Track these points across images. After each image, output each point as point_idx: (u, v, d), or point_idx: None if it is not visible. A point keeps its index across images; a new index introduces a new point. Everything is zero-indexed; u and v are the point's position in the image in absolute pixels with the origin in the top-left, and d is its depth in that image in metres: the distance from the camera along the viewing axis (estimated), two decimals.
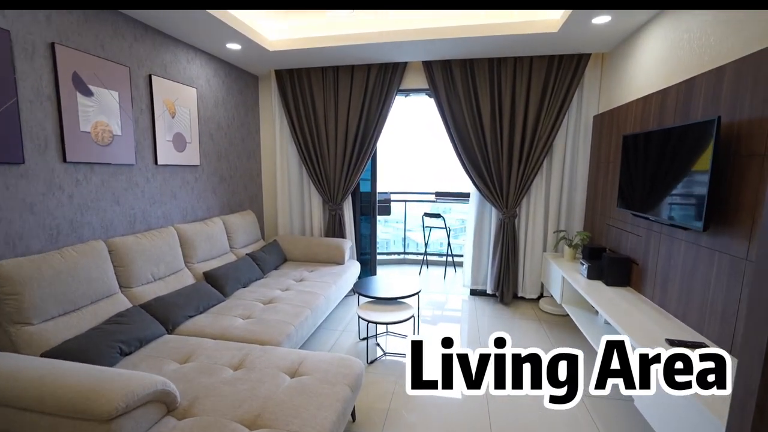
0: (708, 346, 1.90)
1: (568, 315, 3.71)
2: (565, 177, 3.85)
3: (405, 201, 6.14)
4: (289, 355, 2.11)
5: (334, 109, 4.13)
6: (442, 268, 5.64)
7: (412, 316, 2.93)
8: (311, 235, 4.46)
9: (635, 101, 2.85)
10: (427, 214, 5.32)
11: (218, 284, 3.05)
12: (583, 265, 3.07)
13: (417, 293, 3.15)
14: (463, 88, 3.81)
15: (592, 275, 2.98)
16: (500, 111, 3.79)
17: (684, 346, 1.88)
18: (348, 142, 4.12)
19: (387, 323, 2.81)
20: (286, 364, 2.03)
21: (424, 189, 6.11)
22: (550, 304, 3.85)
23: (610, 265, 2.82)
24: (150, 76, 2.94)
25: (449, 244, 5.42)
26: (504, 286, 4.00)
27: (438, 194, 5.85)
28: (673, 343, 1.93)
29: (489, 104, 3.78)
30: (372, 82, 4.01)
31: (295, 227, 4.50)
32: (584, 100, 3.72)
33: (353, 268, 4.04)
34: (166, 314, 2.47)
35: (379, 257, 5.92)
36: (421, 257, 5.86)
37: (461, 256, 5.92)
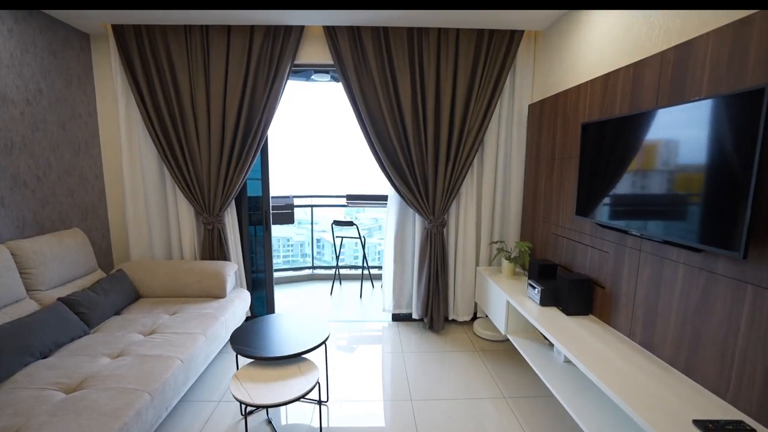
0: None
1: (507, 340, 3.06)
2: (499, 176, 3.21)
3: (311, 206, 5.12)
4: None
5: (204, 84, 2.95)
6: (358, 283, 4.75)
7: (317, 383, 1.96)
8: (181, 257, 3.22)
9: (589, 83, 2.24)
10: (337, 223, 4.37)
11: None
12: (534, 288, 2.40)
13: (324, 342, 2.18)
14: (377, 65, 2.94)
15: (546, 301, 2.32)
16: (423, 96, 3.00)
17: None
18: (227, 132, 2.98)
19: (276, 405, 1.81)
20: None
21: (334, 192, 5.14)
22: (486, 328, 3.18)
23: (570, 288, 2.18)
24: None
25: (365, 256, 4.54)
26: (433, 310, 3.23)
27: (350, 198, 4.94)
28: (707, 428, 1.26)
29: (410, 87, 2.96)
30: (257, 51, 2.93)
31: (158, 249, 3.21)
32: (517, 87, 3.10)
33: (238, 302, 2.92)
34: None
35: (281, 275, 4.82)
36: (332, 271, 4.90)
37: (379, 268, 5.11)
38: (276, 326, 2.38)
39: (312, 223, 5.13)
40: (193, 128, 2.99)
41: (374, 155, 3.09)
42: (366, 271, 4.64)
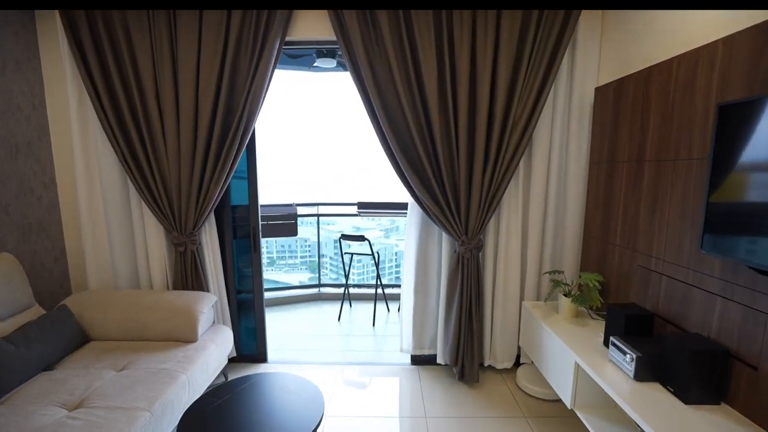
0: None
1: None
2: (552, 185, 2.42)
3: (317, 215, 4.41)
4: None
5: (170, 67, 2.27)
6: (370, 306, 4.02)
7: None
8: (150, 286, 2.55)
9: (719, 43, 1.44)
10: (345, 237, 3.65)
11: None
12: (622, 352, 1.61)
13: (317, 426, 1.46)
14: (393, 43, 2.20)
15: (644, 374, 1.54)
16: (453, 81, 2.25)
17: None
18: (200, 128, 2.29)
19: None
20: None
21: (342, 199, 4.43)
22: (534, 381, 2.40)
23: (693, 362, 1.39)
24: None
25: (378, 276, 3.81)
26: (465, 356, 2.47)
27: (362, 206, 4.22)
28: None
29: (435, 70, 2.21)
30: (236, 26, 2.22)
31: (122, 276, 2.55)
32: (577, 66, 2.31)
33: (213, 348, 2.23)
34: None
35: (282, 294, 4.13)
36: (341, 290, 4.18)
37: (395, 286, 4.36)
38: (247, 404, 1.66)
39: (318, 235, 4.43)
40: (158, 123, 2.31)
41: (389, 157, 2.35)
42: (380, 291, 3.90)
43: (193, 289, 2.47)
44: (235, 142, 2.29)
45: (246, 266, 2.77)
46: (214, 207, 2.42)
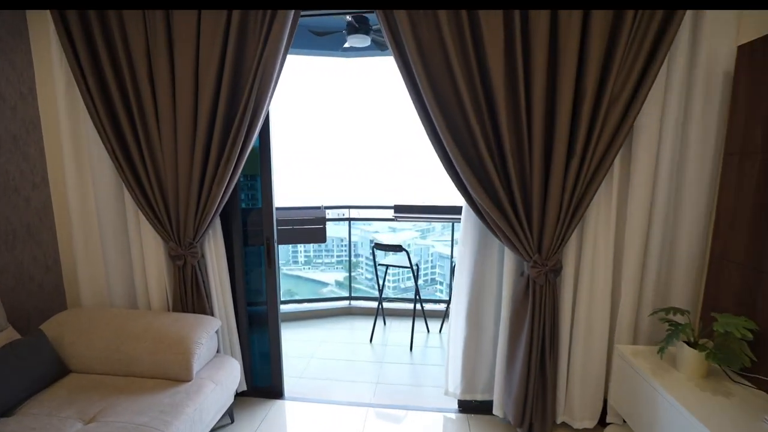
0: None
1: None
2: (660, 188, 1.74)
3: (348, 219, 3.90)
4: None
5: (165, 45, 1.82)
6: (407, 324, 3.46)
7: None
8: (148, 306, 2.14)
9: None
10: (379, 246, 3.10)
11: None
12: None
13: None
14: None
15: None
16: (526, 47, 1.63)
17: None
18: (201, 112, 1.83)
19: None
20: None
21: (374, 200, 3.90)
22: None
23: None
24: None
25: (417, 291, 3.24)
26: (534, 411, 1.85)
27: (399, 209, 3.66)
28: None
29: (502, 33, 1.61)
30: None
31: (117, 293, 2.15)
32: (706, 21, 1.62)
33: (210, 390, 1.75)
34: None
35: (308, 307, 3.67)
36: (374, 303, 3.65)
37: (436, 302, 3.78)
38: None
39: (350, 243, 3.92)
40: (151, 107, 1.87)
41: (437, 149, 1.77)
42: (419, 306, 3.33)
43: (194, 311, 2.03)
44: (241, 130, 1.81)
45: (259, 279, 2.30)
46: (218, 212, 1.95)
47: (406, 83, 1.72)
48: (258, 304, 2.33)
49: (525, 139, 1.67)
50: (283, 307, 3.73)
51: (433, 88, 1.67)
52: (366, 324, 3.53)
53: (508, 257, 1.87)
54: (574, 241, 1.81)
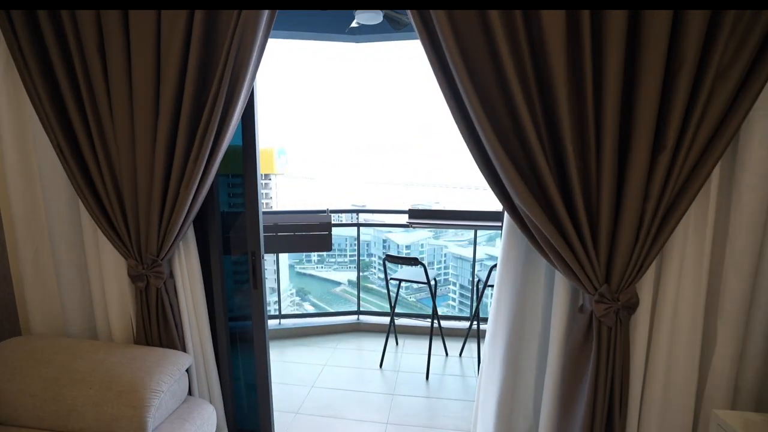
0: None
1: None
2: None
3: (358, 225, 3.46)
4: None
5: (121, 35, 1.41)
6: (422, 343, 3.02)
7: None
8: (109, 336, 1.74)
9: None
10: (391, 258, 2.66)
11: None
12: None
13: None
14: None
15: None
16: (596, 23, 1.16)
17: None
18: (163, 95, 1.41)
19: None
20: None
21: (386, 203, 3.46)
22: None
23: None
24: None
25: (435, 309, 2.79)
26: None
27: (414, 214, 3.21)
28: None
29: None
30: None
31: (72, 320, 1.75)
32: None
33: None
34: None
35: (311, 322, 3.26)
36: (386, 319, 3.22)
37: (455, 319, 3.34)
38: None
39: (359, 253, 3.49)
40: (103, 88, 1.46)
41: (468, 139, 1.31)
42: (436, 324, 2.87)
43: (161, 343, 1.63)
44: (213, 118, 1.39)
45: (245, 296, 1.89)
46: (188, 222, 1.54)
47: (428, 52, 1.27)
48: (246, 318, 1.92)
49: (590, 123, 1.20)
50: (285, 322, 3.33)
51: (468, 64, 1.22)
52: (375, 343, 3.10)
53: (560, 284, 1.40)
54: (650, 272, 1.33)
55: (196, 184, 1.46)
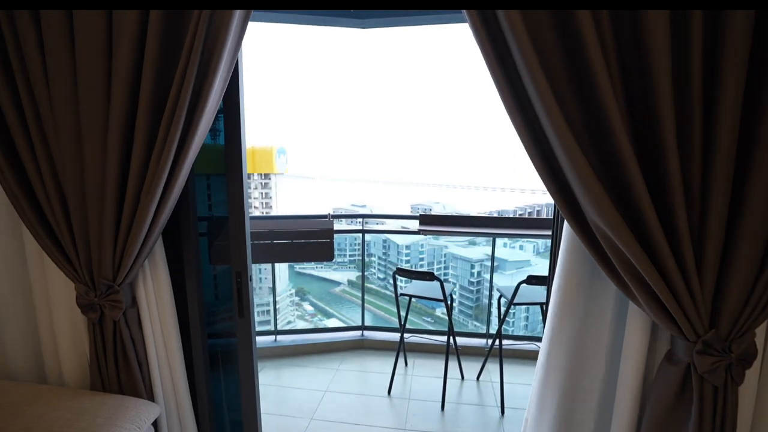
0: None
1: None
2: None
3: (362, 231, 3.11)
4: None
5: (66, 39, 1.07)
6: (437, 363, 2.68)
7: None
8: (60, 379, 1.39)
9: None
10: (402, 272, 2.31)
11: None
12: None
13: None
14: None
15: None
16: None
17: None
18: (116, 76, 1.07)
19: None
20: None
21: (392, 206, 3.11)
22: None
23: None
24: None
25: (451, 327, 2.44)
26: None
27: (426, 220, 2.86)
28: None
29: None
30: None
31: (15, 358, 1.41)
32: None
33: None
34: None
35: (309, 339, 2.92)
36: (395, 335, 2.87)
37: (470, 335, 3.00)
38: None
39: (363, 262, 3.14)
40: (42, 78, 1.12)
41: (525, 142, 0.97)
42: (452, 344, 2.53)
43: (120, 389, 1.28)
44: (182, 99, 1.04)
45: (232, 322, 1.54)
46: (152, 238, 1.19)
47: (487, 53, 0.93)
48: (231, 351, 1.58)
49: (694, 107, 0.86)
50: (281, 338, 2.99)
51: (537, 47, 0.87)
52: (382, 364, 2.76)
53: (636, 322, 1.06)
54: None
55: (160, 188, 1.11)
